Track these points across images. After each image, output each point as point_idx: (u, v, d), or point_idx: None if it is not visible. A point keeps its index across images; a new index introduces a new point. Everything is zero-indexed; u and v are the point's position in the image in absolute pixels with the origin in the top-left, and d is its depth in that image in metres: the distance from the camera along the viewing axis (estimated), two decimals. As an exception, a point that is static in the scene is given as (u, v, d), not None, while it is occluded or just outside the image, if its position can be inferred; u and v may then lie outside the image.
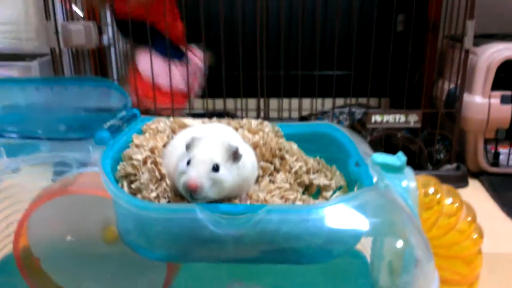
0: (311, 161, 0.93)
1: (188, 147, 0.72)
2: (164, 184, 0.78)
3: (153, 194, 0.75)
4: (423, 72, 1.95)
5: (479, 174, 1.77)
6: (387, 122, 1.70)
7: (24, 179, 0.99)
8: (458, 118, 1.73)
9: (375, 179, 0.75)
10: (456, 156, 1.75)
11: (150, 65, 1.59)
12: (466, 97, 1.73)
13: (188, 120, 0.94)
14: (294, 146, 0.94)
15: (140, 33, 1.61)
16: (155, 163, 0.79)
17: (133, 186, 0.75)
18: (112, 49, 2.14)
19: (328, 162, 0.95)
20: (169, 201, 0.77)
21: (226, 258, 0.70)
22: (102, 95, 0.95)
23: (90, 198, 0.81)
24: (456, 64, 1.73)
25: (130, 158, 0.77)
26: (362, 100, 2.19)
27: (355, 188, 0.88)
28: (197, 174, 0.64)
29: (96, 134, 0.78)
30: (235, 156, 0.71)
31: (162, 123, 0.91)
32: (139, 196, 0.74)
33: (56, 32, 1.70)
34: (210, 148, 0.67)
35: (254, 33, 1.74)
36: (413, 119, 1.69)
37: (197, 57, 1.81)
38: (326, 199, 0.88)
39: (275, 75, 2.01)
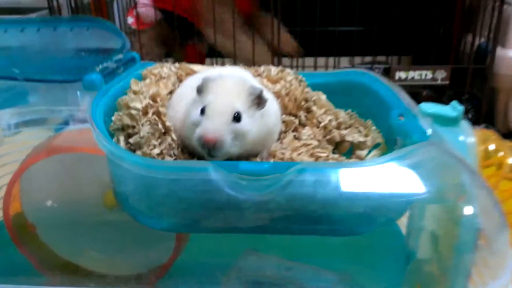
0: (342, 114, 0.77)
1: (201, 90, 0.56)
2: (169, 139, 0.62)
3: (156, 151, 0.60)
4: (449, 26, 1.75)
5: (509, 136, 1.60)
6: (412, 79, 1.52)
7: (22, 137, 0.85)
8: (489, 75, 1.55)
9: (428, 132, 0.58)
10: (484, 116, 1.58)
11: None
12: (499, 51, 1.54)
13: (196, 66, 0.78)
14: (323, 97, 0.78)
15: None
16: (157, 113, 0.63)
17: (131, 140, 0.60)
18: (115, 3, 1.96)
19: (362, 116, 0.79)
20: (175, 159, 0.62)
21: (246, 229, 0.55)
22: (96, 36, 0.78)
23: (88, 157, 0.66)
24: (488, 16, 1.53)
25: (128, 107, 0.62)
26: (381, 59, 2.00)
27: (396, 144, 0.73)
28: (216, 126, 0.53)
29: (85, 77, 0.62)
30: (259, 100, 0.56)
31: (166, 68, 0.75)
32: (138, 152, 0.59)
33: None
34: (228, 91, 0.55)
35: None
36: (441, 75, 1.51)
37: None
38: (361, 158, 0.72)
39: (291, 31, 1.81)
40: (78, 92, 0.62)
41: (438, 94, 1.66)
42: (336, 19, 1.66)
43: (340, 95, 0.81)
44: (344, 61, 1.91)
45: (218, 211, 0.53)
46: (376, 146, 0.75)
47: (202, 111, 0.53)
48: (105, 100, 0.63)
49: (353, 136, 0.74)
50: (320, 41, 1.70)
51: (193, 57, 1.71)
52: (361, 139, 0.74)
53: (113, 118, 0.62)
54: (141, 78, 0.73)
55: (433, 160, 0.53)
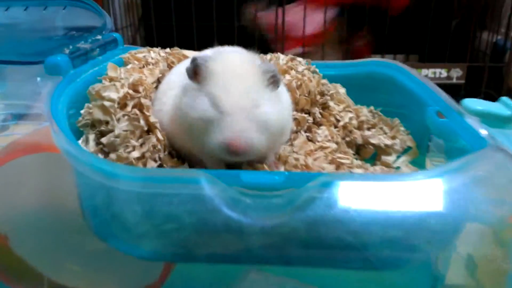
0: (365, 112, 0.62)
1: (198, 74, 0.42)
2: (153, 139, 0.48)
3: (135, 154, 0.45)
4: (461, 20, 1.61)
5: (526, 139, 1.45)
6: (425, 77, 1.37)
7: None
8: (507, 73, 1.40)
9: (483, 134, 0.44)
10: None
11: None
12: (518, 49, 1.40)
13: (190, 52, 0.63)
14: (342, 90, 0.63)
15: None
16: (139, 106, 0.49)
17: (103, 140, 0.45)
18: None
19: (387, 114, 0.64)
20: (160, 165, 0.47)
21: (250, 260, 0.40)
22: (71, 15, 0.63)
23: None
24: (507, 12, 1.39)
25: (100, 97, 0.47)
26: (388, 57, 1.85)
27: (430, 148, 0.58)
28: (242, 127, 0.41)
29: (48, 59, 0.47)
30: (274, 79, 0.42)
31: (154, 53, 0.60)
32: (112, 156, 0.44)
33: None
34: (238, 73, 0.44)
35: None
36: (456, 74, 1.37)
37: None
38: (388, 166, 0.58)
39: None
40: (38, 78, 0.47)
41: (451, 94, 1.51)
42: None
43: (360, 89, 0.67)
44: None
45: (213, 238, 0.38)
46: (406, 150, 0.60)
47: (215, 105, 0.42)
48: (73, 88, 0.48)
49: (378, 138, 0.59)
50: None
51: (362, 50, 1.52)
52: (388, 142, 0.59)
53: (82, 111, 0.47)
54: (123, 64, 0.58)
55: (502, 173, 0.38)
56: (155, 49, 0.62)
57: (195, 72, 0.44)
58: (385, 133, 0.61)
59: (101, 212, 0.42)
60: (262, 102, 0.42)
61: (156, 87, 0.57)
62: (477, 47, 1.61)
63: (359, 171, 0.49)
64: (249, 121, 0.41)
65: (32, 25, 0.68)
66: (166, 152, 0.49)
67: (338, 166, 0.50)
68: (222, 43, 0.55)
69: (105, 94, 0.47)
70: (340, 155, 0.52)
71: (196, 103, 0.43)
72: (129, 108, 0.48)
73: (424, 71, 1.38)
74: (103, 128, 0.46)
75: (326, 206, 0.36)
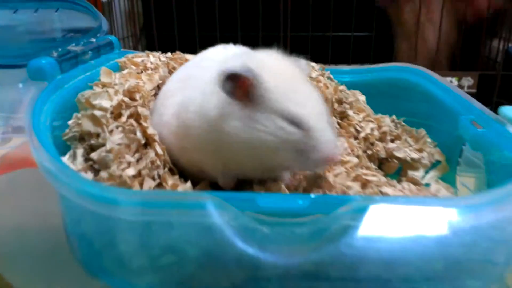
0: (387, 122, 0.55)
1: (247, 89, 0.37)
2: (151, 154, 0.41)
3: (130, 172, 0.38)
4: (470, 28, 1.54)
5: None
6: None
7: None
8: (520, 83, 1.33)
9: None
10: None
11: None
12: (532, 57, 1.33)
13: (193, 57, 0.56)
14: (361, 98, 0.56)
15: None
16: (136, 116, 0.42)
17: (93, 156, 0.38)
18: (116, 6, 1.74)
19: (411, 124, 0.57)
20: (159, 184, 0.40)
21: None
22: (64, 18, 0.57)
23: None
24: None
25: (91, 105, 0.40)
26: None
27: (461, 162, 0.51)
28: (332, 135, 0.38)
29: (31, 62, 0.40)
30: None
31: (154, 57, 0.53)
32: (103, 175, 0.37)
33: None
34: (296, 78, 0.39)
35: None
36: (468, 82, 1.30)
37: None
38: (416, 183, 0.50)
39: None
40: (20, 85, 0.40)
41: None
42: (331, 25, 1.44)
43: (379, 97, 0.60)
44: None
45: (222, 276, 0.31)
46: (434, 165, 0.53)
47: (295, 123, 0.37)
48: (60, 95, 0.41)
49: (404, 152, 0.52)
50: (317, 47, 1.44)
51: None
52: (415, 155, 0.52)
53: (69, 122, 0.40)
54: (119, 69, 0.51)
55: None
56: (155, 53, 0.55)
57: (239, 90, 0.37)
58: (410, 146, 0.54)
59: (89, 242, 0.35)
60: None
61: (155, 95, 0.50)
62: (486, 54, 1.54)
63: (389, 190, 0.42)
64: (329, 124, 0.38)
65: (22, 28, 0.61)
66: (166, 169, 0.42)
67: (365, 184, 0.43)
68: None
69: (95, 102, 0.40)
70: (365, 171, 0.45)
71: (263, 126, 0.36)
72: (124, 119, 0.41)
73: (434, 80, 1.31)
74: (93, 141, 0.39)
75: (364, 238, 0.29)
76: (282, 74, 0.38)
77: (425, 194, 0.44)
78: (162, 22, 1.47)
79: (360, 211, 0.29)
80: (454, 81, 1.32)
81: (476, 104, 0.50)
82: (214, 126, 0.38)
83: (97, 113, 0.39)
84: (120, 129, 0.40)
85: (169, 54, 0.57)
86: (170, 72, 0.54)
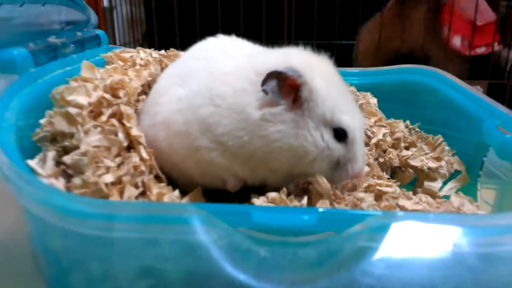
0: (401, 127, 0.49)
1: (293, 90, 0.34)
2: (135, 158, 0.35)
3: (108, 178, 0.32)
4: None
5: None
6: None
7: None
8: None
9: None
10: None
11: None
12: (543, 66, 1.27)
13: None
14: (373, 101, 0.51)
15: None
16: (119, 115, 0.36)
17: (66, 159, 0.32)
18: (119, 12, 1.70)
19: (428, 131, 0.51)
20: (143, 192, 0.34)
21: None
22: (52, 12, 0.52)
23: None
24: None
25: (65, 102, 0.34)
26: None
27: (482, 174, 0.45)
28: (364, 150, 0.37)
29: (1, 53, 0.35)
30: None
31: (145, 53, 0.48)
32: (76, 181, 0.31)
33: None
34: (341, 84, 0.36)
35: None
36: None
37: None
38: (433, 195, 0.44)
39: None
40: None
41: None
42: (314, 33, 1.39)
43: (392, 101, 0.54)
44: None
45: None
46: (454, 175, 0.47)
47: (340, 136, 0.34)
48: (33, 90, 0.36)
49: (420, 160, 0.46)
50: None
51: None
52: (432, 164, 0.46)
53: (41, 121, 0.35)
54: (104, 64, 0.45)
55: None
56: (147, 50, 0.50)
57: (284, 90, 0.33)
58: (426, 154, 0.48)
59: (55, 260, 0.29)
60: None
61: (146, 94, 0.44)
62: (497, 64, 1.49)
63: (408, 203, 0.36)
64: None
65: (5, 23, 0.56)
66: (152, 176, 0.36)
67: (379, 196, 0.37)
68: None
69: (70, 98, 0.34)
70: (379, 181, 0.39)
71: (310, 135, 0.34)
72: (104, 118, 0.35)
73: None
74: (67, 143, 0.33)
75: (384, 263, 0.23)
76: (329, 77, 0.35)
77: (447, 208, 0.38)
78: (164, 28, 1.43)
79: (380, 230, 0.23)
80: (463, 90, 1.27)
81: (502, 108, 0.44)
82: (253, 127, 0.33)
83: (72, 110, 0.33)
84: (98, 129, 0.34)
85: (162, 52, 0.52)
86: (163, 70, 0.49)
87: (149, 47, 0.51)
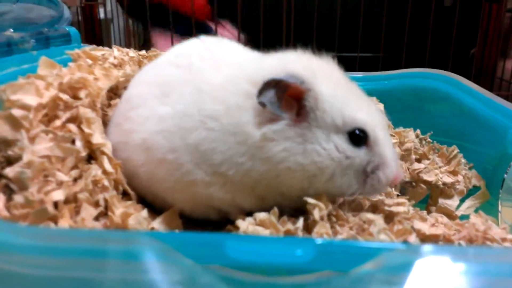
0: (411, 137, 0.43)
1: (297, 100, 0.28)
2: (96, 171, 0.28)
3: (57, 195, 0.26)
4: (479, 48, 1.43)
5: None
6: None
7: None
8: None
9: None
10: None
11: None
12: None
13: None
14: (379, 107, 0.44)
15: (157, 15, 1.13)
16: (78, 120, 0.30)
17: (8, 172, 0.26)
18: (115, 24, 1.66)
19: (442, 142, 0.45)
20: (104, 213, 0.28)
21: None
22: (25, 10, 0.46)
23: None
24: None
25: (9, 102, 0.28)
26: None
27: (501, 190, 0.38)
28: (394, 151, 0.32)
29: None
30: None
31: (120, 52, 0.41)
32: (17, 199, 0.25)
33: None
34: (351, 87, 0.31)
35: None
36: (482, 104, 1.18)
37: (230, 33, 1.31)
38: (449, 215, 0.38)
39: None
40: None
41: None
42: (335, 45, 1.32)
43: (399, 108, 0.48)
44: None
45: None
46: (472, 192, 0.40)
47: (358, 139, 0.29)
48: None
49: (434, 174, 0.39)
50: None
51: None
52: (448, 179, 0.39)
53: None
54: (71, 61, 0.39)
55: None
56: (124, 48, 0.43)
57: (285, 101, 0.28)
58: (440, 167, 0.41)
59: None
60: None
61: (119, 96, 0.38)
62: (501, 76, 1.44)
63: (424, 227, 0.29)
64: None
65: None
66: (118, 193, 0.30)
67: (389, 217, 0.30)
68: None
69: (15, 97, 0.28)
70: (386, 199, 0.33)
71: (321, 147, 0.28)
72: (58, 122, 0.29)
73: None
74: (10, 152, 0.27)
75: None
76: (335, 80, 0.29)
77: (471, 233, 0.31)
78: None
79: (399, 270, 0.17)
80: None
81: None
82: (254, 150, 0.28)
83: (16, 112, 0.27)
84: (50, 135, 0.28)
85: (143, 52, 0.45)
86: (139, 66, 0.42)
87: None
